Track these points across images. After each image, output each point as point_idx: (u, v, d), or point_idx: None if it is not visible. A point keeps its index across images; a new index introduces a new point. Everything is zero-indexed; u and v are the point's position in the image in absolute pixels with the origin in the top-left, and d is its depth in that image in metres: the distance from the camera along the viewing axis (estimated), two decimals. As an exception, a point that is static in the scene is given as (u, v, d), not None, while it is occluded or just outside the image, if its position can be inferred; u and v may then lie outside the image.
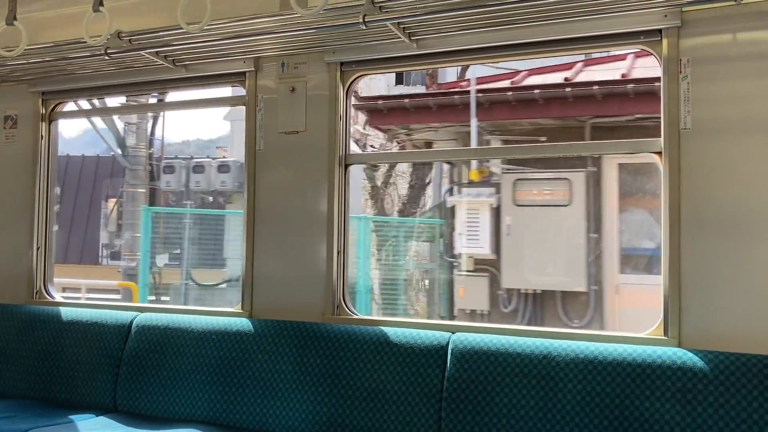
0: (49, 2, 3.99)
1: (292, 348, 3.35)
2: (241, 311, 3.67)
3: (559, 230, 8.78)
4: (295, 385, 3.28)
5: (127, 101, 9.51)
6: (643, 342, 2.88)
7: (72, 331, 3.87)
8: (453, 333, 3.15)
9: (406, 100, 9.81)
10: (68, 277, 10.98)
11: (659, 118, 2.97)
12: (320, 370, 3.26)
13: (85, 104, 5.72)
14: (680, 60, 2.90)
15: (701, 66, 2.88)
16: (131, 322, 3.76)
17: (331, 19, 3.16)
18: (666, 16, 2.91)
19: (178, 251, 11.58)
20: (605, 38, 3.09)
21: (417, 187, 14.16)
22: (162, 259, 11.50)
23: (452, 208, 9.56)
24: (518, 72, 10.11)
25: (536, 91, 8.78)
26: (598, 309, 8.68)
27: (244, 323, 3.52)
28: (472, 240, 9.20)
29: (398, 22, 3.14)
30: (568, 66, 9.59)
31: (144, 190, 11.78)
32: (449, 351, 3.08)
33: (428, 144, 10.47)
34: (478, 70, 9.92)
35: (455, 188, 10.13)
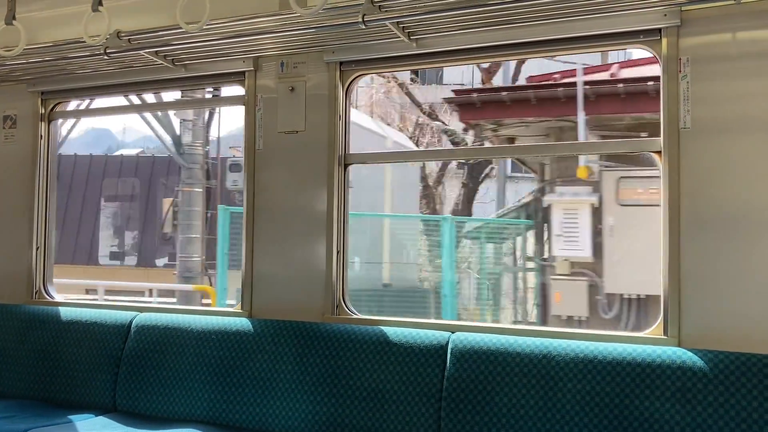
0: (48, 2, 3.99)
1: (292, 348, 3.34)
2: (240, 311, 3.67)
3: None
4: (294, 385, 3.28)
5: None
6: (642, 341, 2.88)
7: (71, 331, 3.87)
8: (453, 333, 3.15)
9: (504, 93, 9.20)
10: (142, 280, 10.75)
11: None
12: (320, 370, 3.26)
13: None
14: (680, 59, 2.90)
15: (701, 65, 2.88)
16: (131, 322, 3.75)
17: (331, 19, 3.16)
18: (665, 15, 2.90)
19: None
20: (605, 37, 3.09)
21: (471, 186, 13.94)
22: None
23: (547, 208, 8.94)
24: (611, 65, 9.49)
25: (650, 83, 7.95)
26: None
27: (243, 323, 3.52)
28: (569, 242, 8.57)
29: (397, 22, 3.14)
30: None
31: (201, 190, 11.07)
32: (449, 350, 3.08)
33: (511, 140, 9.92)
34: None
35: (548, 187, 9.41)
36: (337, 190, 3.53)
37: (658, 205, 2.95)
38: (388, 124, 14.38)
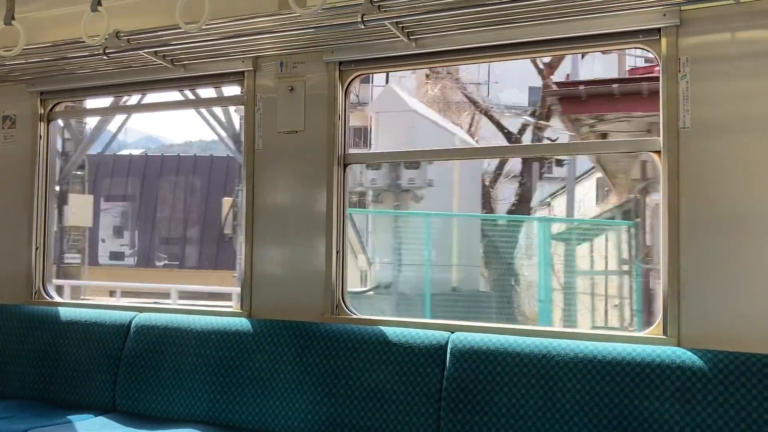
0: (47, 2, 3.99)
1: (292, 348, 3.34)
2: (240, 311, 3.67)
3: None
4: (294, 385, 3.28)
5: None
6: (642, 341, 2.88)
7: (71, 331, 3.87)
8: (452, 332, 3.15)
9: (615, 86, 8.64)
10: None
11: None
12: (319, 370, 3.26)
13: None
14: (679, 59, 2.90)
15: (700, 65, 2.88)
16: (130, 322, 3.75)
17: (330, 19, 3.16)
18: (665, 15, 2.90)
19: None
20: (604, 37, 3.09)
21: (527, 185, 13.74)
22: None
23: (655, 208, 8.60)
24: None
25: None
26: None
27: (243, 323, 3.52)
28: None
29: (397, 22, 3.13)
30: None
31: None
32: (448, 350, 3.08)
33: (603, 136, 9.37)
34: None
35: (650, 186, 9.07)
36: (336, 190, 3.52)
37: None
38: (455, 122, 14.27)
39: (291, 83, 3.63)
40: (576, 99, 8.85)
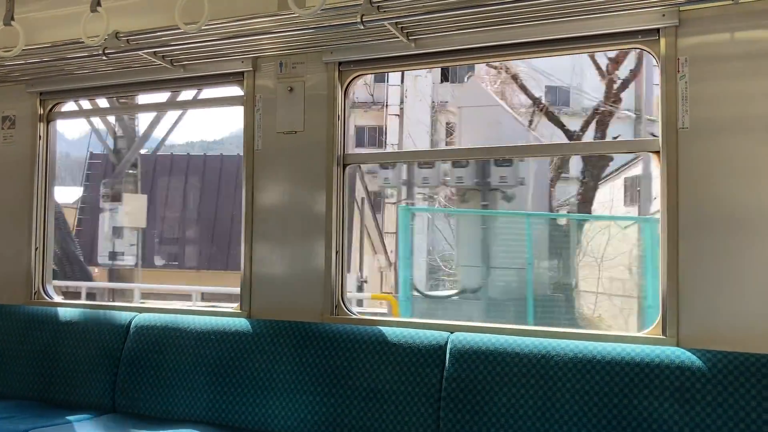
0: (46, 2, 3.99)
1: (291, 348, 3.34)
2: (240, 311, 3.67)
3: None
4: (293, 385, 3.28)
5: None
6: (641, 341, 2.89)
7: (70, 331, 3.87)
8: (451, 333, 3.15)
9: None
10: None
11: None
12: (319, 370, 3.26)
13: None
14: (678, 59, 2.91)
15: (699, 65, 2.88)
16: (130, 323, 3.75)
17: (329, 19, 3.16)
18: (663, 15, 2.91)
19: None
20: (603, 38, 3.09)
21: (591, 185, 13.52)
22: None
23: None
24: None
25: None
26: None
27: (242, 323, 3.52)
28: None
29: (396, 22, 3.14)
30: None
31: None
32: (448, 351, 3.08)
33: None
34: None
35: None
36: (336, 190, 3.53)
37: None
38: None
39: (290, 83, 3.63)
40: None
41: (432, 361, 3.08)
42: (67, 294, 11.11)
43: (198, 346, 3.53)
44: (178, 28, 3.15)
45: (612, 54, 12.11)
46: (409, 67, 3.84)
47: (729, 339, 2.75)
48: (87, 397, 3.71)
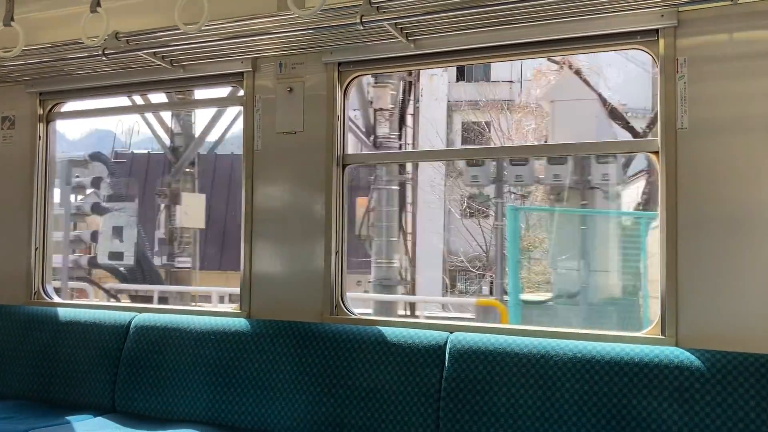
0: (46, 3, 3.99)
1: (291, 348, 3.35)
2: (239, 311, 3.68)
3: None
4: (293, 385, 3.29)
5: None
6: (640, 341, 2.89)
7: (70, 331, 3.87)
8: (451, 333, 3.15)
9: None
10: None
11: None
12: (319, 370, 3.26)
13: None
14: (677, 60, 2.91)
15: (698, 65, 2.89)
16: (129, 323, 3.76)
17: (329, 20, 3.17)
18: (663, 16, 2.91)
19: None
20: (602, 38, 3.09)
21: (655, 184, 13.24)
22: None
23: None
24: None
25: None
26: None
27: (242, 323, 3.52)
28: None
29: (395, 23, 3.14)
30: None
31: (397, 187, 9.84)
32: (447, 351, 3.08)
33: None
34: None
35: None
36: (335, 191, 3.53)
37: None
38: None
39: (290, 84, 3.64)
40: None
41: (432, 361, 3.09)
42: (136, 298, 10.80)
43: (198, 347, 3.53)
44: (178, 29, 3.16)
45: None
46: (408, 68, 3.85)
47: (728, 339, 2.75)
48: (87, 397, 3.71)
